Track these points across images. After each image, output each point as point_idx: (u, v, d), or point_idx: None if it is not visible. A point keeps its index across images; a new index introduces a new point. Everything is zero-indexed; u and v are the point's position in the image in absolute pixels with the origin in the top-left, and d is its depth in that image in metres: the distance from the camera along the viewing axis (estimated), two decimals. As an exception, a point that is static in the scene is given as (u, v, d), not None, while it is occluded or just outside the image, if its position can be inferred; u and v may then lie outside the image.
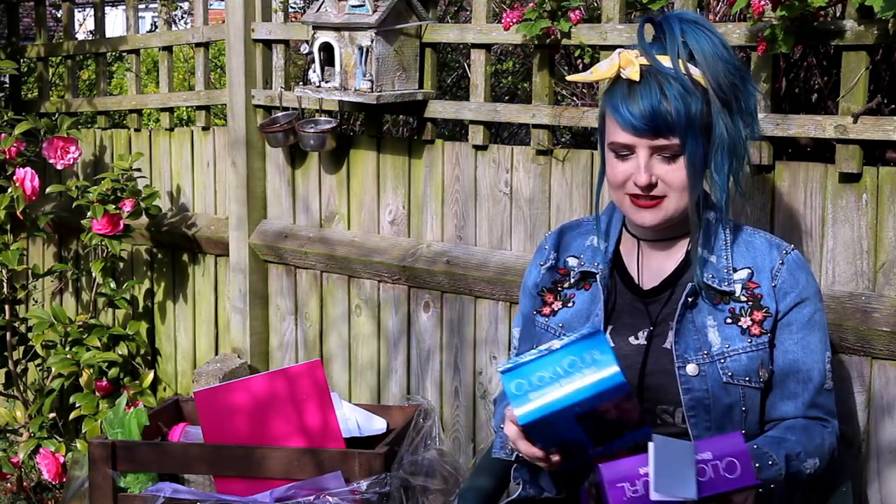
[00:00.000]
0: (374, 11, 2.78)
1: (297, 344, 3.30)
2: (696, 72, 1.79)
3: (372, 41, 2.78)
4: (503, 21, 2.63)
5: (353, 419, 2.61)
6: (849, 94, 2.21)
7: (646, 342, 1.87)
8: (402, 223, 3.02)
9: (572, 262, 2.00)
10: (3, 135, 3.48)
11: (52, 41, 4.11)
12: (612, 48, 2.54)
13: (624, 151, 1.82)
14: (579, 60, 3.38)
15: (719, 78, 1.78)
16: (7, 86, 4.49)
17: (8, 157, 3.47)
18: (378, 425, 2.63)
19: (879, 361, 2.22)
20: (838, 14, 2.49)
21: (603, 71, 1.82)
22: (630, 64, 1.78)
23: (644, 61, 1.79)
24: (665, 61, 1.78)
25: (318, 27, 2.91)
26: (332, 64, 2.91)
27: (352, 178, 3.12)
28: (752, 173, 2.37)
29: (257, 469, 2.38)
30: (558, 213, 2.68)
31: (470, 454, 2.87)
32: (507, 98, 4.25)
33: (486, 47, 2.81)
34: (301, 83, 3.12)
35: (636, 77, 1.77)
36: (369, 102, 2.83)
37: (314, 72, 2.95)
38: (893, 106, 2.53)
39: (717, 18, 2.84)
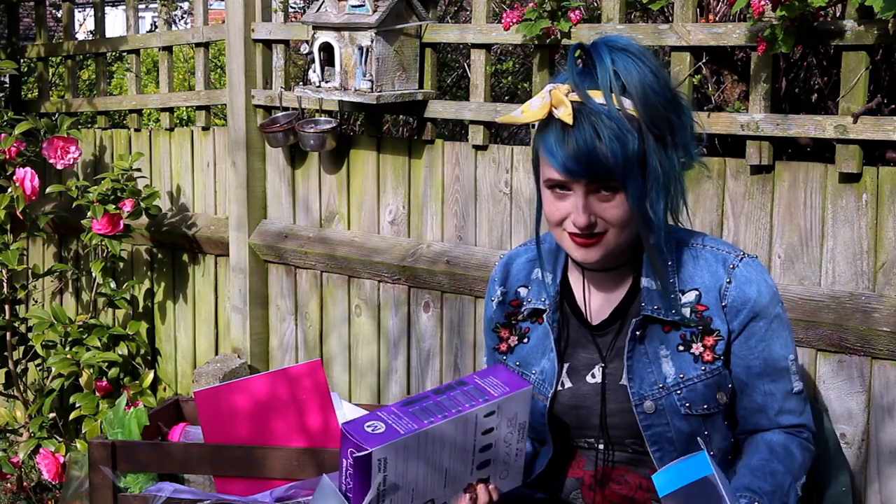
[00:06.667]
0: (374, 11, 2.78)
1: (297, 344, 3.30)
2: (628, 104, 1.70)
3: (372, 41, 2.78)
4: (503, 21, 2.63)
5: (354, 419, 2.60)
6: (849, 94, 2.21)
7: (601, 380, 1.84)
8: (402, 223, 3.02)
9: (523, 292, 1.95)
10: (3, 135, 3.48)
11: (52, 41, 4.11)
12: (613, 48, 2.55)
13: (561, 190, 1.75)
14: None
15: (652, 112, 1.70)
16: (7, 86, 4.49)
17: (8, 157, 3.47)
18: (378, 425, 2.62)
19: (880, 361, 2.22)
20: (838, 14, 2.50)
21: (535, 111, 1.74)
22: (562, 104, 1.70)
23: (576, 97, 1.71)
24: (597, 97, 1.70)
25: (318, 27, 2.91)
26: (332, 64, 2.91)
27: (352, 178, 3.12)
28: (751, 173, 2.37)
29: (257, 469, 2.38)
30: (558, 213, 2.68)
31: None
32: (507, 98, 4.25)
33: (486, 47, 2.81)
34: (301, 83, 3.12)
35: (569, 120, 1.69)
36: (369, 102, 2.83)
37: (314, 72, 2.96)
38: (893, 106, 2.53)
39: (717, 18, 2.85)
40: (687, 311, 1.81)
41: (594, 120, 1.68)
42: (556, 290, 1.89)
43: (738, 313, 1.80)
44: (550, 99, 1.72)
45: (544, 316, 1.90)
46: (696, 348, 1.81)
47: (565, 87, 1.72)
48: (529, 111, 1.75)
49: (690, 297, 1.81)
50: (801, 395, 1.86)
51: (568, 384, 1.86)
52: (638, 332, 1.81)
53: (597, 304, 1.88)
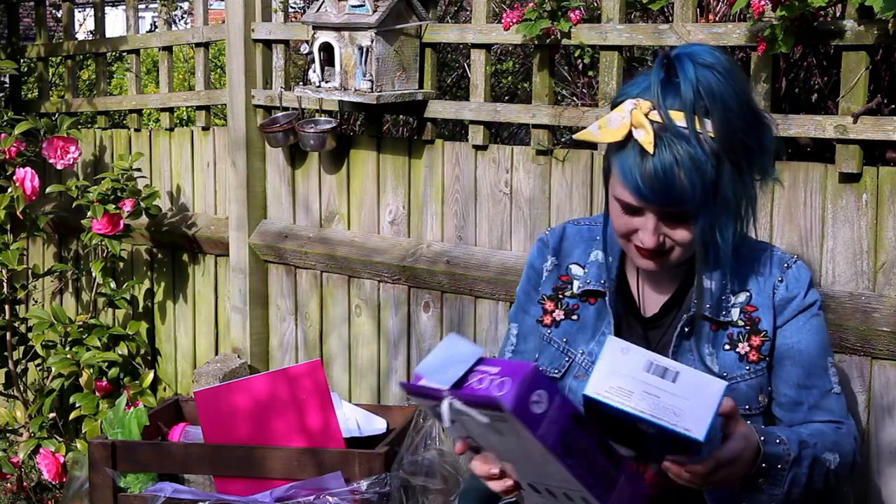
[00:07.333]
0: (374, 11, 2.78)
1: (297, 344, 3.30)
2: (709, 126, 1.63)
3: (372, 41, 2.78)
4: (503, 21, 2.63)
5: (354, 419, 2.61)
6: (849, 94, 2.21)
7: None
8: (402, 223, 3.02)
9: (576, 270, 1.92)
10: (3, 135, 3.48)
11: (52, 41, 4.11)
12: (612, 48, 2.55)
13: (631, 209, 1.71)
14: (579, 60, 3.38)
15: (731, 139, 1.63)
16: (7, 86, 4.49)
17: (8, 157, 3.47)
18: (378, 425, 2.63)
19: (880, 361, 2.22)
20: (838, 14, 2.50)
21: (613, 131, 1.66)
22: (642, 126, 1.63)
23: (657, 118, 1.63)
24: (679, 119, 1.62)
25: (318, 27, 2.91)
26: (332, 64, 2.91)
27: (352, 178, 3.12)
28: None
29: (257, 469, 2.38)
30: (558, 213, 2.68)
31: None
32: (507, 98, 4.25)
33: (486, 47, 2.81)
34: (301, 83, 3.12)
35: (650, 149, 1.62)
36: (369, 102, 2.83)
37: (314, 72, 2.96)
38: (893, 106, 2.53)
39: (717, 18, 2.85)
40: (736, 312, 1.81)
41: (675, 148, 1.61)
42: (615, 274, 1.87)
43: (783, 309, 1.81)
44: (630, 119, 1.65)
45: (605, 300, 1.86)
46: (742, 348, 1.80)
47: (646, 105, 1.64)
48: (608, 130, 1.67)
49: (741, 297, 1.81)
50: (839, 397, 1.84)
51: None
52: (686, 329, 1.80)
53: (650, 295, 1.87)
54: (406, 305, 3.01)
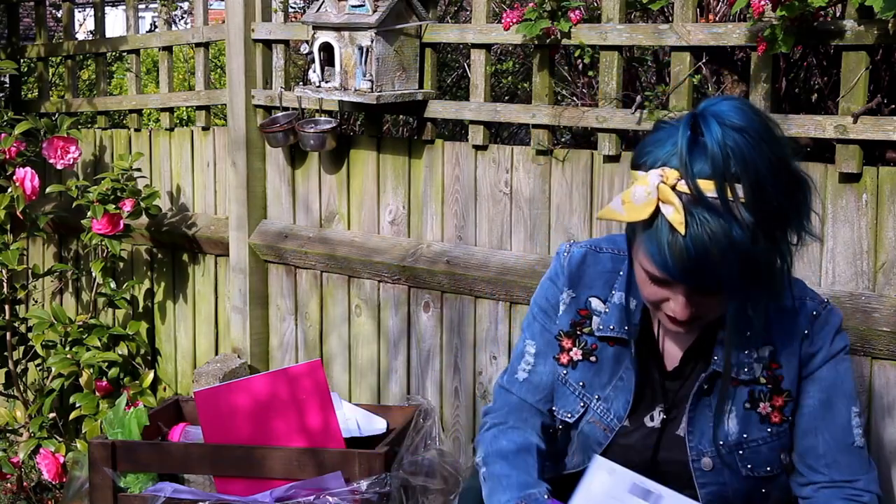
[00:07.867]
0: (374, 11, 2.78)
1: (297, 344, 3.30)
2: (741, 192, 1.50)
3: (372, 41, 2.79)
4: (503, 21, 2.63)
5: (354, 419, 2.61)
6: (849, 94, 2.21)
7: (659, 426, 1.77)
8: (402, 223, 3.02)
9: (597, 305, 1.82)
10: (3, 135, 3.48)
11: (52, 41, 4.12)
12: (612, 48, 2.55)
13: (659, 281, 1.61)
14: (579, 60, 3.38)
15: (765, 210, 1.51)
16: (7, 86, 4.49)
17: (8, 157, 3.47)
18: (378, 425, 2.63)
19: (879, 361, 2.22)
20: (838, 14, 2.50)
21: (639, 208, 1.54)
22: (670, 203, 1.51)
23: (685, 188, 1.51)
24: (709, 190, 1.50)
25: (318, 27, 2.91)
26: (332, 64, 2.91)
27: (352, 178, 3.12)
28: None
29: (257, 469, 2.38)
30: (558, 213, 2.69)
31: (470, 454, 2.87)
32: (507, 98, 4.25)
33: (486, 47, 2.81)
34: (301, 83, 3.12)
35: (681, 230, 1.50)
36: (369, 102, 2.83)
37: (314, 72, 2.96)
38: (893, 106, 2.53)
39: (717, 18, 2.85)
40: (759, 369, 1.73)
41: (708, 226, 1.50)
42: (638, 319, 1.77)
43: (808, 362, 1.75)
44: (658, 194, 1.53)
45: (629, 346, 1.78)
46: (764, 408, 1.73)
47: (673, 175, 1.53)
48: (633, 206, 1.55)
49: (764, 352, 1.74)
50: (861, 451, 1.76)
51: (625, 422, 1.78)
52: (706, 386, 1.74)
53: (670, 345, 1.79)
54: (406, 305, 3.01)
